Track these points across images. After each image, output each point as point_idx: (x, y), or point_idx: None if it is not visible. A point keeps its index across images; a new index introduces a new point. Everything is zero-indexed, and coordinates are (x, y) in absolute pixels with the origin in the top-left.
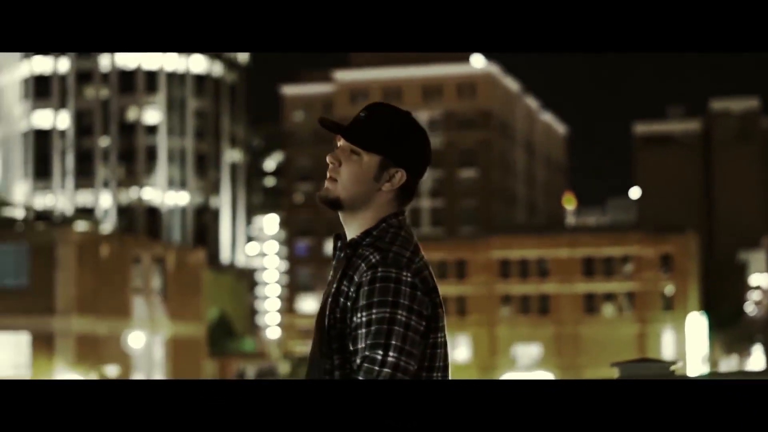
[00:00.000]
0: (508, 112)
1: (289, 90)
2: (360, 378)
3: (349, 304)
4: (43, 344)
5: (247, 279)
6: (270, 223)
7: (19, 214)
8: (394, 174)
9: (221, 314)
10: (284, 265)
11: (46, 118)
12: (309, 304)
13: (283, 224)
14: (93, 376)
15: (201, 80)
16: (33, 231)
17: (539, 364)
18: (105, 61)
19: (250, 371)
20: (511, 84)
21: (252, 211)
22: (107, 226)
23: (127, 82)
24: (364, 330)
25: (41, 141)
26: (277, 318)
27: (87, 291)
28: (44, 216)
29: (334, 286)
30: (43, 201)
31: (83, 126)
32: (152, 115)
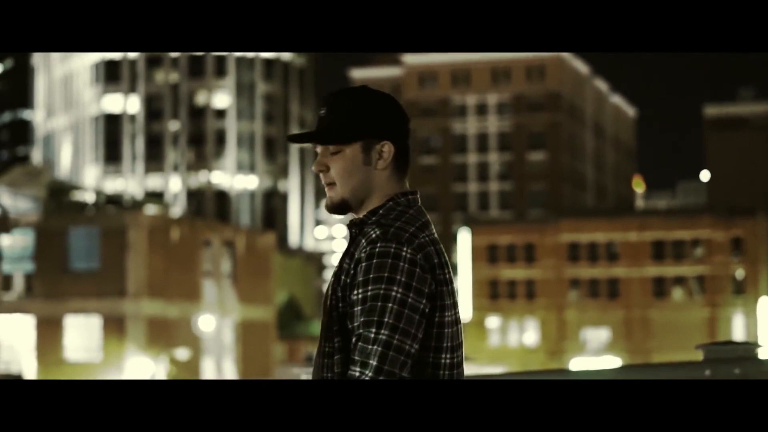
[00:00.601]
0: (577, 94)
1: (358, 73)
2: (356, 357)
3: (348, 281)
4: (115, 327)
5: (315, 262)
6: None
7: (90, 198)
8: (381, 149)
9: (290, 298)
10: None
11: (116, 103)
12: None
13: None
14: (163, 359)
15: (270, 64)
16: (104, 215)
17: (608, 349)
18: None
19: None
20: (581, 66)
21: (320, 194)
22: (177, 210)
23: (197, 66)
24: (359, 307)
25: (111, 125)
26: None
27: (158, 274)
28: (115, 200)
29: (337, 266)
30: (114, 185)
31: (153, 110)
32: (221, 99)
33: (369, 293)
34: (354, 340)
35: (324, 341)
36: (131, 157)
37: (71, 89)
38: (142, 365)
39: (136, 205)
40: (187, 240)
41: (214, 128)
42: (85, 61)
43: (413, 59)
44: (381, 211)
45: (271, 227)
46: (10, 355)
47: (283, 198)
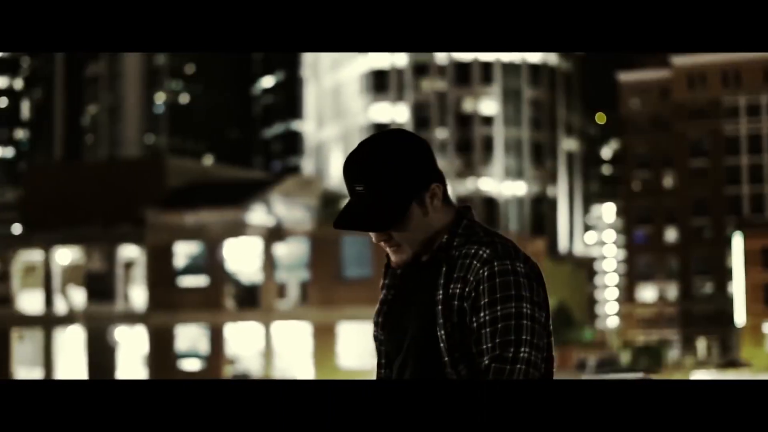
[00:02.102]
0: None
1: (626, 77)
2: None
3: (466, 305)
4: None
5: (585, 268)
6: (608, 211)
7: None
8: (432, 194)
9: (560, 304)
10: (622, 254)
11: (384, 112)
12: (648, 294)
13: (621, 213)
14: None
15: (536, 70)
16: None
17: None
18: (441, 54)
19: (591, 361)
20: None
21: (589, 199)
22: None
23: (463, 74)
24: (489, 329)
25: None
26: (616, 307)
27: None
28: None
29: (439, 293)
30: None
31: (420, 118)
32: (488, 105)
33: (499, 313)
34: (487, 362)
35: (442, 369)
36: None
37: (340, 100)
38: None
39: None
40: None
41: (482, 135)
42: (354, 72)
43: (682, 61)
44: (460, 231)
45: (540, 233)
46: (287, 361)
47: (552, 204)
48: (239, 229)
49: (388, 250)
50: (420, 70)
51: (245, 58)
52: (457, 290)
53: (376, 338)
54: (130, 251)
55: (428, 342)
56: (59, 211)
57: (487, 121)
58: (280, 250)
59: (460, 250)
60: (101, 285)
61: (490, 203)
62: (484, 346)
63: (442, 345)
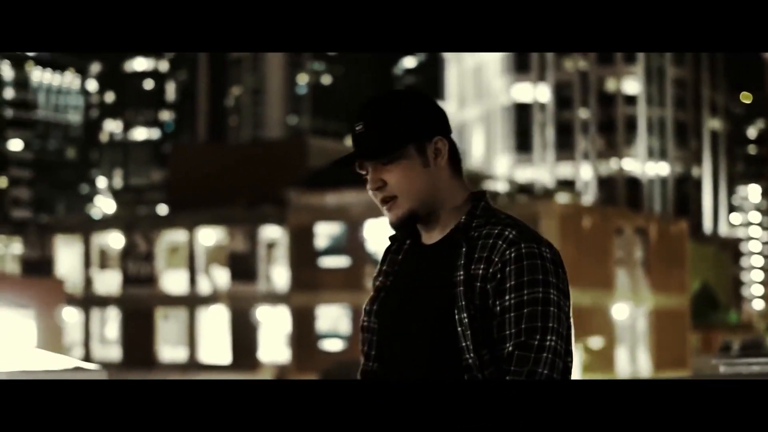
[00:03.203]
0: None
1: None
2: (512, 368)
3: (489, 287)
4: None
5: (730, 249)
6: (754, 192)
7: (501, 187)
8: (435, 146)
9: (704, 285)
10: (767, 236)
11: (526, 92)
12: None
13: (766, 193)
14: (577, 347)
15: None
16: (516, 204)
17: None
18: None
19: (736, 344)
20: None
21: (734, 180)
22: (588, 198)
23: (605, 53)
24: (513, 314)
25: (522, 115)
26: (762, 290)
27: (570, 262)
28: (526, 189)
29: (459, 274)
30: (525, 174)
31: (562, 98)
32: (631, 85)
33: (525, 297)
34: (510, 348)
35: (460, 355)
36: (542, 146)
37: (481, 80)
38: None
39: (548, 194)
40: (599, 228)
41: (624, 115)
42: (495, 52)
43: None
44: (479, 212)
45: (684, 214)
46: None
47: (696, 184)
48: (380, 209)
49: (383, 207)
50: None
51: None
52: (480, 271)
53: (365, 328)
54: (272, 232)
55: (444, 327)
56: (203, 191)
57: (630, 100)
58: None
59: (480, 230)
60: (244, 265)
61: (633, 183)
62: (508, 332)
63: (460, 329)
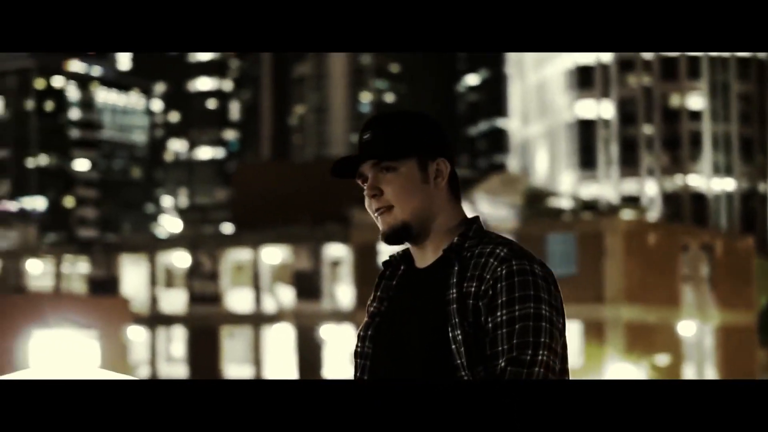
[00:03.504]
0: None
1: None
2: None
3: (481, 304)
4: (594, 333)
5: None
6: None
7: (566, 204)
8: (438, 165)
9: None
10: None
11: (589, 109)
12: None
13: None
14: (643, 365)
15: (745, 63)
16: (580, 220)
17: None
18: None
19: None
20: None
21: None
22: (653, 214)
23: (669, 68)
24: (505, 330)
25: (585, 131)
26: None
27: (635, 279)
28: (591, 205)
29: (451, 292)
30: (589, 191)
31: (626, 114)
32: (695, 100)
33: (517, 313)
34: (503, 364)
35: (455, 373)
36: (606, 163)
37: (545, 96)
38: (622, 370)
39: (612, 210)
40: (664, 244)
41: (689, 131)
42: (559, 68)
43: None
44: (471, 233)
45: (750, 230)
46: None
47: (762, 199)
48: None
49: (375, 216)
50: (625, 65)
51: (449, 57)
52: (472, 288)
53: (358, 354)
54: (336, 250)
55: (438, 345)
56: (267, 209)
57: (695, 116)
58: None
59: (473, 250)
60: (308, 283)
61: (698, 199)
62: (500, 348)
63: (454, 347)
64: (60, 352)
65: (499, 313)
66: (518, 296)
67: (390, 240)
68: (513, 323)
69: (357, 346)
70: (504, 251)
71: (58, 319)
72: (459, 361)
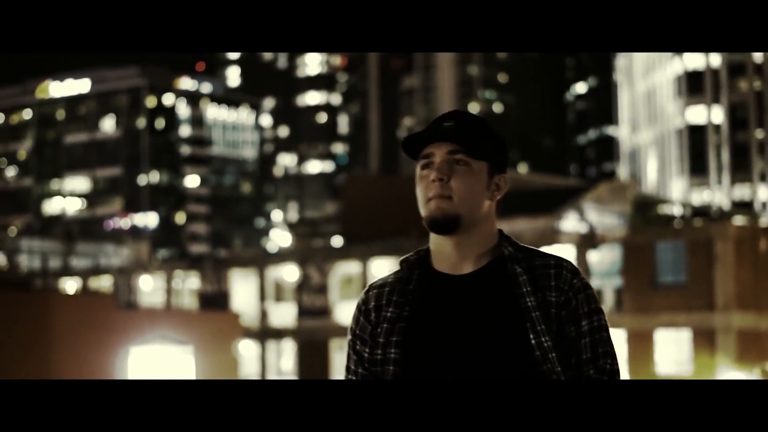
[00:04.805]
0: None
1: None
2: None
3: (563, 313)
4: (704, 341)
5: None
6: None
7: (677, 211)
8: (500, 181)
9: None
10: None
11: (699, 114)
12: None
13: None
14: (755, 373)
15: None
16: (691, 227)
17: None
18: (758, 53)
19: None
20: None
21: None
22: (766, 220)
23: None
24: (588, 339)
25: (696, 137)
26: None
27: (746, 286)
28: (702, 212)
29: (528, 300)
30: (700, 197)
31: (737, 119)
32: None
33: (595, 324)
34: (592, 372)
35: (543, 377)
36: (717, 168)
37: (654, 103)
38: (734, 379)
39: (724, 216)
40: None
41: None
42: (668, 74)
43: None
44: (517, 246)
45: None
46: None
47: None
48: (552, 236)
49: (432, 199)
50: (736, 69)
51: (557, 65)
52: (552, 298)
53: (378, 362)
54: None
55: (519, 352)
56: (376, 222)
57: None
58: (593, 257)
59: (530, 262)
60: None
61: None
62: (584, 356)
63: (538, 353)
64: (155, 368)
65: (583, 323)
66: (594, 308)
67: (435, 223)
68: (593, 333)
69: (377, 353)
70: (570, 264)
71: (155, 336)
72: (547, 367)
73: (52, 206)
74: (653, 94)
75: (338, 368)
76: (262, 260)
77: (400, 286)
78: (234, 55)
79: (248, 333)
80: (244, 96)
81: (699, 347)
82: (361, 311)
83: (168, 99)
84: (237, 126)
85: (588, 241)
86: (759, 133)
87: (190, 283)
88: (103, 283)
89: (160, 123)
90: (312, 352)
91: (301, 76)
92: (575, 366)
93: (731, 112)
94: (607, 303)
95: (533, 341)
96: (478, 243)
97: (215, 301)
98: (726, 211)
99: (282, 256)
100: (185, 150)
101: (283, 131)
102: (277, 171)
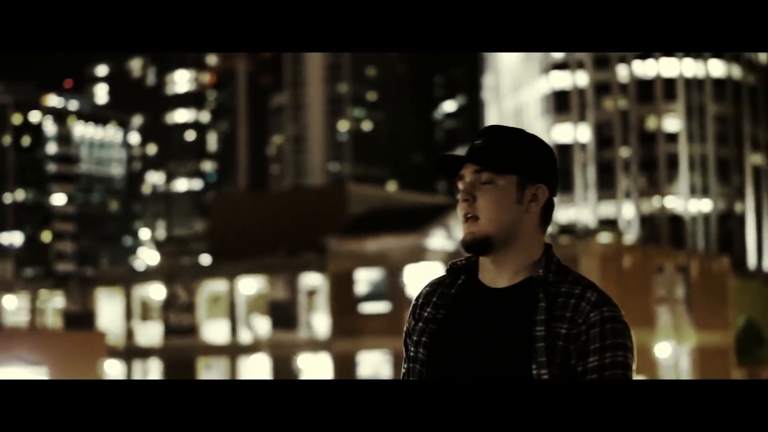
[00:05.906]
0: None
1: None
2: None
3: (572, 347)
4: None
5: None
6: None
7: None
8: (536, 191)
9: (749, 322)
10: None
11: (566, 132)
12: None
13: None
14: None
15: (720, 84)
16: (557, 244)
17: None
18: (623, 72)
19: None
20: None
21: None
22: (631, 237)
23: (645, 91)
24: (596, 375)
25: (562, 155)
26: None
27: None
28: (568, 229)
29: (539, 329)
30: (566, 214)
31: (603, 138)
32: (672, 122)
33: (607, 360)
34: None
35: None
36: (583, 186)
37: (522, 121)
38: None
39: (589, 234)
40: (640, 267)
41: (666, 153)
42: (535, 93)
43: None
44: (553, 267)
45: (727, 250)
46: None
47: (740, 220)
48: (419, 254)
49: (463, 220)
50: (602, 88)
51: (426, 84)
52: (563, 330)
53: (411, 358)
54: (312, 279)
55: (519, 378)
56: (245, 240)
57: (671, 138)
58: None
59: (558, 287)
60: (284, 313)
61: (675, 221)
62: None
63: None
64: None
65: (591, 359)
66: (609, 344)
67: (469, 248)
68: (603, 370)
69: (410, 348)
70: (594, 296)
71: (11, 357)
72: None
73: None
74: (521, 112)
75: None
76: (128, 279)
77: (443, 289)
78: (102, 72)
79: (114, 352)
80: (113, 113)
81: None
82: (412, 307)
83: (34, 116)
84: (105, 143)
85: (454, 258)
86: (624, 152)
87: (55, 302)
88: None
89: (26, 140)
90: (179, 370)
91: (170, 94)
92: None
93: (597, 131)
94: None
95: (534, 372)
96: (515, 258)
97: (81, 320)
98: (591, 229)
99: (149, 275)
100: (52, 168)
101: (152, 149)
102: (146, 189)
